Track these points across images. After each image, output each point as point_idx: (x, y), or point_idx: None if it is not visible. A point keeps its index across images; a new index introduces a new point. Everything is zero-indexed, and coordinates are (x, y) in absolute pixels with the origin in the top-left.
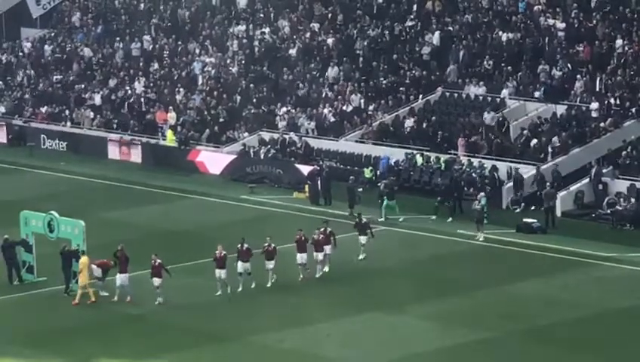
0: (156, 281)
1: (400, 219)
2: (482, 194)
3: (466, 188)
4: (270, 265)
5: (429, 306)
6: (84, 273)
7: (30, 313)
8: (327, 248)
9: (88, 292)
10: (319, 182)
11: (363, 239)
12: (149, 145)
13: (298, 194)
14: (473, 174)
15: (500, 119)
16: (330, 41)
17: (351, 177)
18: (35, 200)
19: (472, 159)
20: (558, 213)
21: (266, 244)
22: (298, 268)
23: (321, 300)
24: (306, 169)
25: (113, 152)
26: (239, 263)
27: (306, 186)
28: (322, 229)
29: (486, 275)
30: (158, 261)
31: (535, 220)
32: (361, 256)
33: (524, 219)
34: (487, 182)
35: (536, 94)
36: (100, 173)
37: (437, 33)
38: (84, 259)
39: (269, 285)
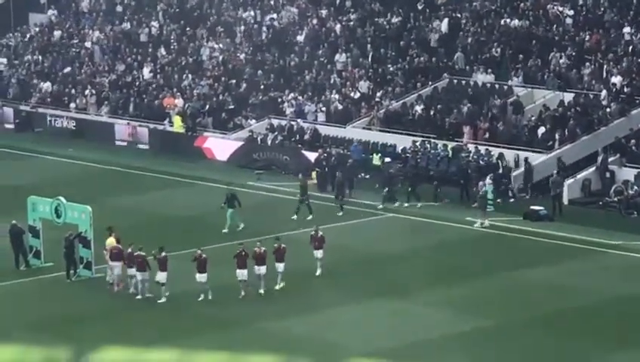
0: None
1: (405, 205)
2: (488, 181)
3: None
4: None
5: (435, 293)
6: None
7: (37, 298)
8: (280, 265)
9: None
10: (326, 168)
11: (319, 253)
12: (156, 130)
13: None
14: (480, 161)
15: (510, 105)
16: (337, 27)
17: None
18: (43, 185)
19: (479, 146)
20: (565, 201)
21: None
22: (239, 284)
23: (328, 287)
24: (313, 155)
25: (120, 138)
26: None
27: (314, 173)
28: (259, 248)
29: (493, 262)
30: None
31: (542, 208)
32: (318, 272)
33: (531, 207)
34: (493, 170)
35: (545, 82)
36: (107, 158)
37: (445, 20)
38: (110, 240)
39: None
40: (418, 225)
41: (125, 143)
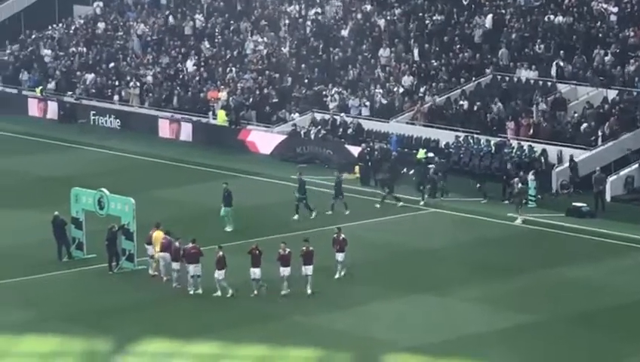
0: (285, 271)
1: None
2: (530, 177)
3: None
4: (308, 270)
5: (476, 289)
6: (157, 246)
7: (78, 290)
8: (309, 268)
9: (159, 267)
10: (369, 163)
11: (340, 256)
12: (200, 123)
13: (348, 175)
14: (523, 157)
15: (554, 102)
16: (381, 22)
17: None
18: (86, 177)
19: (522, 142)
20: (608, 198)
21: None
22: (252, 283)
23: (369, 282)
24: (356, 150)
25: (164, 130)
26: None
27: (356, 167)
28: (283, 249)
29: (534, 258)
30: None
31: (585, 204)
32: (337, 275)
33: (574, 203)
34: (535, 166)
35: (588, 79)
36: (150, 150)
37: (489, 16)
38: (157, 234)
39: (309, 291)
40: (459, 221)
41: (168, 136)
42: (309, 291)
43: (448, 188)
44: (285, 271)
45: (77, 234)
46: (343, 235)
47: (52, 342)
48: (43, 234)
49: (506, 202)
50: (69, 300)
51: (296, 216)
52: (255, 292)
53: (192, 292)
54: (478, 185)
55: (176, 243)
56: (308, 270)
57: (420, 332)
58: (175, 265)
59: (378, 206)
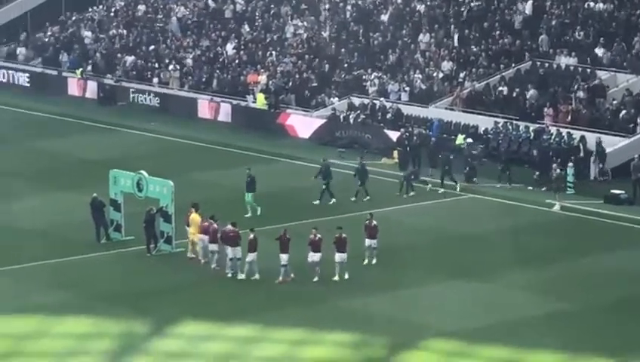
0: (314, 256)
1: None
2: (569, 164)
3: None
4: (341, 257)
5: (515, 275)
6: (193, 228)
7: (116, 272)
8: (342, 255)
9: (197, 249)
10: (408, 148)
11: (373, 243)
12: (239, 107)
13: (387, 159)
14: (562, 144)
15: (593, 88)
16: (421, 7)
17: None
18: (125, 159)
19: (561, 129)
20: None
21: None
22: (280, 269)
23: (408, 266)
24: (394, 135)
25: (203, 113)
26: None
27: (395, 152)
28: (314, 234)
29: (571, 245)
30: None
31: (623, 191)
32: (366, 261)
33: (612, 190)
34: (574, 153)
35: (627, 65)
36: (189, 133)
37: (529, 2)
38: (194, 216)
39: (335, 278)
40: (498, 207)
41: (207, 118)
42: (336, 278)
43: (511, 176)
44: (315, 256)
45: (115, 216)
46: (374, 222)
47: (89, 324)
48: (81, 216)
49: (544, 189)
50: (107, 282)
51: (317, 202)
52: (280, 278)
53: (230, 275)
54: (503, 168)
55: (215, 225)
56: (341, 257)
57: (457, 318)
58: (213, 247)
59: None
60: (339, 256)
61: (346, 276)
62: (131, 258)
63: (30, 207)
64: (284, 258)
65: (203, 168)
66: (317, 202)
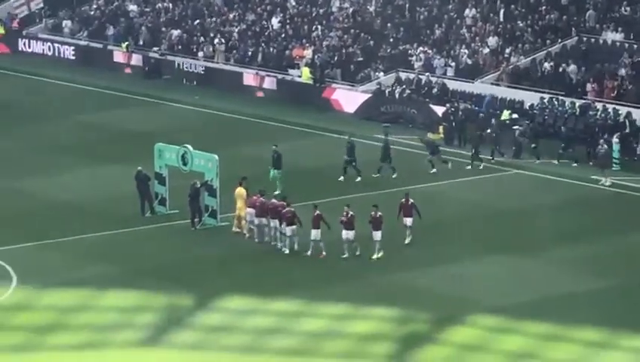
0: (314, 233)
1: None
2: (615, 140)
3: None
4: (377, 236)
5: (558, 251)
6: (239, 203)
7: (161, 245)
8: (377, 233)
9: (241, 224)
10: (453, 123)
11: (377, 235)
12: (285, 81)
13: (432, 134)
14: (608, 120)
15: (638, 64)
16: None
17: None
18: (170, 132)
19: (607, 105)
20: None
21: (372, 213)
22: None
23: (452, 241)
24: (440, 110)
25: (248, 87)
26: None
27: (440, 127)
28: (346, 212)
29: (616, 222)
30: (351, 213)
31: None
32: (375, 256)
33: None
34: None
35: None
36: (234, 107)
37: None
38: (240, 190)
39: (374, 257)
40: (543, 183)
41: (252, 92)
42: (374, 256)
43: (540, 152)
44: (349, 234)
45: (160, 189)
46: (411, 200)
47: (134, 297)
48: (126, 189)
49: (590, 164)
50: (152, 256)
51: (342, 178)
52: (309, 252)
53: (287, 251)
54: (533, 145)
55: (261, 199)
56: (376, 236)
57: (502, 294)
58: (259, 220)
59: (469, 168)
60: (375, 235)
61: (381, 253)
62: (176, 232)
63: (76, 181)
64: (313, 233)
65: (248, 142)
66: (342, 178)
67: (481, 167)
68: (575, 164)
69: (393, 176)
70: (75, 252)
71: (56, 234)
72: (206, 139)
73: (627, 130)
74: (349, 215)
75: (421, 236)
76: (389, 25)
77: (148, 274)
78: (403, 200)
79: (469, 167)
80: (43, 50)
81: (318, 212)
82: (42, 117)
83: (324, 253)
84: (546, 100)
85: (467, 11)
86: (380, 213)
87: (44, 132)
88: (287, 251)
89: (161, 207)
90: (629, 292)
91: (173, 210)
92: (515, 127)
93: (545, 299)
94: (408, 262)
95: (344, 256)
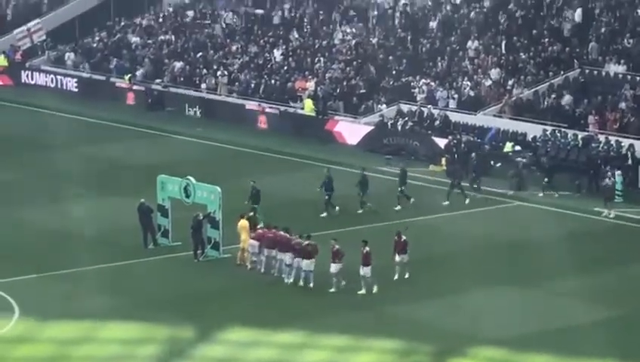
0: (333, 267)
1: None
2: (617, 172)
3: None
4: (366, 271)
5: (563, 282)
6: (243, 235)
7: (163, 277)
8: (366, 269)
9: (244, 256)
10: (456, 155)
11: (402, 258)
12: (287, 113)
13: (434, 166)
14: (611, 152)
15: (638, 96)
16: (471, 14)
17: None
18: (172, 164)
19: (610, 137)
20: None
21: (396, 237)
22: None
23: (455, 273)
24: (442, 142)
25: (250, 119)
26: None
27: (443, 159)
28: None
29: (620, 253)
30: (337, 246)
31: None
32: (362, 291)
33: None
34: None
35: None
36: (236, 139)
37: (579, 10)
38: (243, 222)
39: (359, 292)
40: (546, 215)
41: (255, 125)
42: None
43: (554, 185)
44: (334, 267)
45: (163, 221)
46: (404, 237)
47: (136, 329)
48: (129, 221)
49: (594, 197)
50: (154, 287)
51: (324, 214)
52: (332, 289)
53: (303, 284)
54: (546, 179)
55: (279, 232)
56: (365, 271)
57: (505, 325)
58: (268, 252)
59: (467, 202)
60: (363, 270)
61: (375, 288)
62: (178, 264)
63: (79, 212)
64: (333, 267)
65: (250, 174)
66: (324, 214)
67: (466, 202)
68: (557, 195)
69: (397, 208)
70: (76, 284)
71: (57, 266)
72: (208, 171)
73: (629, 163)
74: (335, 248)
75: (422, 268)
76: (391, 57)
77: (150, 306)
78: (396, 237)
79: (468, 200)
80: (46, 82)
81: (337, 246)
82: (44, 148)
83: (343, 282)
84: (548, 132)
85: (469, 43)
86: (367, 249)
87: (46, 163)
88: (291, 281)
89: (163, 239)
90: (634, 323)
91: (176, 241)
92: (518, 159)
93: (548, 331)
94: (409, 294)
95: (332, 291)
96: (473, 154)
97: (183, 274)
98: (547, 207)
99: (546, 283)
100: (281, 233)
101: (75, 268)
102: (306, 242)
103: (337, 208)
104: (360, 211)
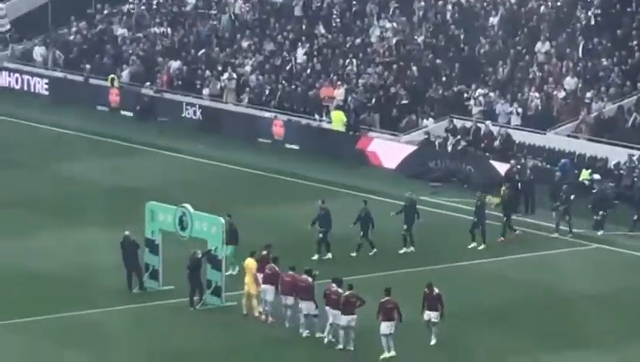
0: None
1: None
2: None
3: None
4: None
5: None
6: (249, 278)
7: (151, 329)
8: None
9: (250, 302)
10: (519, 184)
11: (433, 316)
12: (310, 127)
13: (492, 198)
14: None
15: None
16: (541, 9)
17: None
18: (165, 189)
19: None
20: None
21: (426, 290)
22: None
23: (513, 330)
24: (503, 167)
25: (264, 134)
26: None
27: (503, 188)
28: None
29: None
30: (336, 289)
31: None
32: (433, 341)
33: None
34: None
35: None
36: (246, 159)
37: None
38: (249, 262)
39: (340, 347)
40: (630, 261)
41: (270, 141)
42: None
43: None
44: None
45: (151, 260)
46: (436, 290)
47: None
48: (110, 259)
49: None
50: (140, 341)
51: (315, 256)
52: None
53: (306, 333)
54: (636, 216)
55: (293, 274)
56: (384, 329)
57: None
58: (288, 300)
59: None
60: (344, 319)
61: (393, 353)
62: (170, 312)
63: (47, 247)
64: (383, 327)
65: (262, 203)
66: (315, 257)
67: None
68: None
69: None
70: (43, 335)
71: (20, 313)
72: (210, 197)
73: None
74: (333, 290)
75: (464, 324)
76: (440, 60)
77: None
78: (426, 289)
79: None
80: (9, 82)
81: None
82: (8, 166)
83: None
84: (635, 158)
85: (539, 45)
86: (436, 290)
87: (10, 185)
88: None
89: (152, 282)
90: None
91: (168, 285)
92: (595, 190)
93: None
94: (465, 353)
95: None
96: (564, 186)
97: (175, 326)
98: (632, 251)
99: (625, 346)
100: (304, 276)
101: (44, 316)
102: (347, 292)
103: (235, 270)
104: (354, 254)
